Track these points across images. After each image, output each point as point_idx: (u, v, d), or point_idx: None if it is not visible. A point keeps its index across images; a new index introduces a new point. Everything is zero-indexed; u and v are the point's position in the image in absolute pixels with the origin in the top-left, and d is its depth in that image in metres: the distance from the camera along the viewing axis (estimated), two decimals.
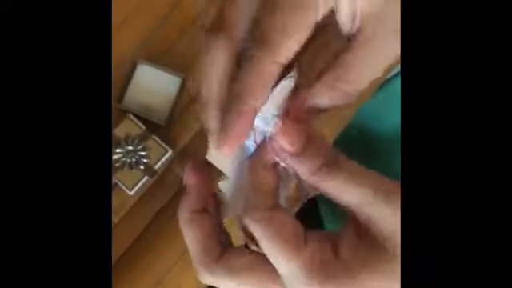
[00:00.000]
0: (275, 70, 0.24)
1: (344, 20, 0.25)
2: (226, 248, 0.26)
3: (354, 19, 0.25)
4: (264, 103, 0.25)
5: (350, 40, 0.26)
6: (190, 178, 0.28)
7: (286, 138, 0.25)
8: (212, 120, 0.26)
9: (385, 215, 0.22)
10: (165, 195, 0.72)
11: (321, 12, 0.24)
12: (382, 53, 0.25)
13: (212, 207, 0.28)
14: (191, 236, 0.27)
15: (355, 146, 0.69)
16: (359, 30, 0.25)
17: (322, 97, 0.25)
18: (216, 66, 0.25)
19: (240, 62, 0.25)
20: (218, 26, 0.25)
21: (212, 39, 0.26)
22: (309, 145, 0.25)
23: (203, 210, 0.27)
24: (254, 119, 0.25)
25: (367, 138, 0.68)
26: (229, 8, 0.26)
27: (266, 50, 0.24)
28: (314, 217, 0.72)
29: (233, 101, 0.24)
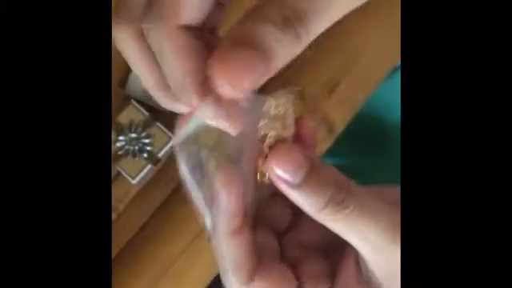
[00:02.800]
0: (183, 35, 0.22)
1: None
2: (259, 263, 0.25)
3: None
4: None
5: None
6: (224, 197, 0.25)
7: (284, 165, 0.22)
8: (167, 104, 0.26)
9: (386, 261, 0.21)
10: (169, 184, 0.72)
11: None
12: None
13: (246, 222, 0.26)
14: (229, 255, 0.25)
15: (367, 133, 0.68)
16: None
17: (257, 41, 0.20)
18: (132, 59, 0.25)
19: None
20: (116, 11, 0.24)
21: (114, 27, 0.24)
22: (313, 175, 0.22)
23: (240, 228, 0.25)
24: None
25: (379, 125, 0.68)
26: None
27: (160, 20, 0.22)
28: None
29: (177, 91, 0.23)
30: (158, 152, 0.69)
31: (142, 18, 0.23)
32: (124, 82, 0.71)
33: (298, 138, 0.25)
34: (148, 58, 0.25)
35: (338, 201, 0.22)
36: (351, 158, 0.73)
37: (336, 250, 0.25)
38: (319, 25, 0.20)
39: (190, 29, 0.22)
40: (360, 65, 0.69)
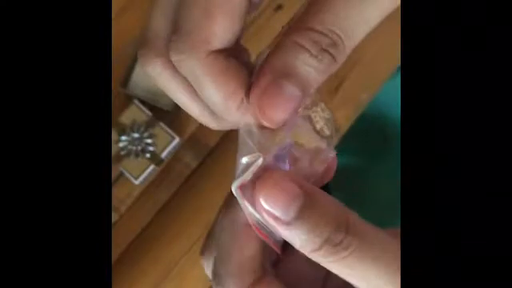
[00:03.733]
0: (216, 58, 0.21)
1: None
2: (264, 273, 0.23)
3: None
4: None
5: None
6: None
7: (274, 199, 0.19)
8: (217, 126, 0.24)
9: None
10: (172, 184, 0.72)
11: None
12: None
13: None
14: (236, 247, 0.22)
15: (371, 132, 0.68)
16: None
17: (285, 62, 0.20)
18: (170, 92, 0.24)
19: None
20: (141, 46, 0.23)
21: (142, 64, 0.23)
22: (307, 211, 0.19)
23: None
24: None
25: (384, 124, 0.68)
26: (151, 14, 0.23)
27: (190, 50, 0.21)
28: None
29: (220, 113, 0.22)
30: (161, 152, 0.69)
31: (171, 48, 0.21)
32: (126, 81, 0.71)
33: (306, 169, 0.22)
34: (186, 88, 0.23)
35: (336, 241, 0.19)
36: (353, 157, 0.72)
37: (333, 278, 0.22)
38: (354, 42, 0.20)
39: (222, 52, 0.21)
40: (363, 64, 0.68)
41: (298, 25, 0.20)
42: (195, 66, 0.21)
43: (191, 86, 0.22)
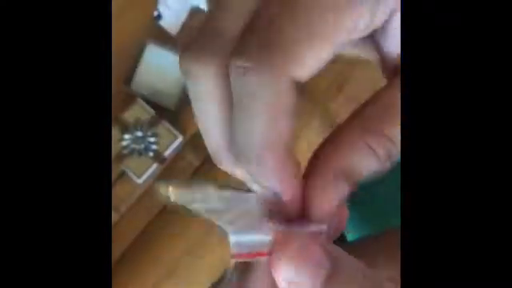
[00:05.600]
0: (289, 90, 0.18)
1: (389, 47, 0.20)
2: None
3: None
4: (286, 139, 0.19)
5: (389, 78, 0.21)
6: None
7: (301, 267, 0.17)
8: (227, 167, 0.22)
9: None
10: None
11: (367, 19, 0.18)
12: None
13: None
14: None
15: None
16: None
17: (340, 166, 0.19)
18: (205, 103, 0.20)
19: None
20: (200, 42, 0.20)
21: (193, 60, 0.20)
22: (336, 276, 0.18)
23: None
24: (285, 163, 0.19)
25: None
26: (219, 11, 0.20)
27: (270, 66, 0.18)
28: None
29: (248, 149, 0.19)
30: (164, 151, 0.70)
31: (237, 52, 0.18)
32: (130, 79, 0.72)
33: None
34: (225, 106, 0.20)
35: None
36: None
37: None
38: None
39: (296, 86, 0.18)
40: (367, 64, 0.68)
41: (372, 128, 0.19)
42: (264, 86, 0.18)
43: (229, 109, 0.20)
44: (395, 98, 0.20)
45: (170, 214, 0.72)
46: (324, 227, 0.20)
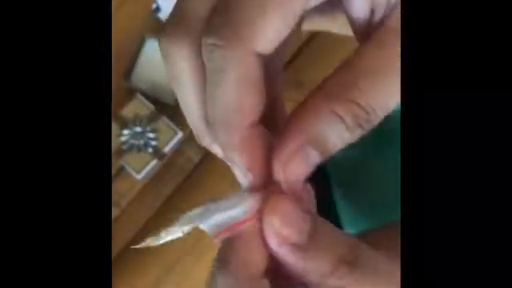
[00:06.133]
0: (257, 64, 0.19)
1: (357, 10, 0.20)
2: None
3: (372, 8, 0.20)
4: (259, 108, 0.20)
5: (361, 43, 0.21)
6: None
7: (289, 220, 0.19)
8: (206, 143, 0.23)
9: None
10: (175, 179, 0.72)
11: None
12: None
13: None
14: None
15: (374, 127, 0.67)
16: (378, 25, 0.20)
17: (311, 133, 0.19)
18: (182, 83, 0.22)
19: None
20: (171, 23, 0.21)
21: (166, 42, 0.21)
22: (319, 232, 0.20)
23: (259, 276, 0.21)
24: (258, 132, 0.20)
25: (386, 118, 0.67)
26: None
27: (234, 41, 0.19)
28: (325, 202, 0.72)
29: (219, 123, 0.20)
30: (164, 147, 0.70)
31: (206, 32, 0.20)
32: (129, 74, 0.72)
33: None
34: (202, 84, 0.21)
35: (350, 259, 0.19)
36: (354, 149, 0.72)
37: None
38: (382, 116, 0.20)
39: (261, 59, 0.20)
40: None
41: (339, 94, 0.20)
42: (231, 60, 0.19)
43: (204, 87, 0.21)
44: (364, 62, 0.20)
45: (170, 210, 0.72)
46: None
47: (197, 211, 0.21)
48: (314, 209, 0.21)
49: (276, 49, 0.20)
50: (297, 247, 0.19)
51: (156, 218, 0.72)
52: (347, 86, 0.20)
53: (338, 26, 0.24)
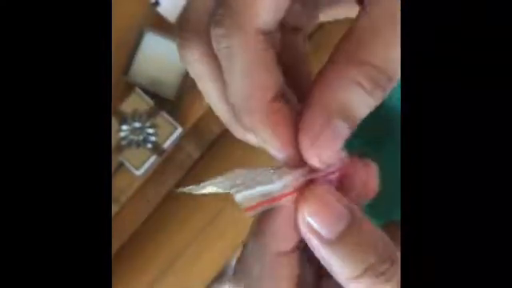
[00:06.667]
0: (261, 43, 0.20)
1: None
2: None
3: None
4: (277, 82, 0.20)
5: (361, 4, 0.21)
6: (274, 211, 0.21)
7: (320, 215, 0.19)
8: (240, 135, 0.23)
9: None
10: (174, 175, 0.72)
11: None
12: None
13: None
14: (273, 283, 0.21)
15: (374, 121, 0.67)
16: None
17: (327, 97, 0.19)
18: (203, 82, 0.23)
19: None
20: (182, 29, 0.23)
21: (181, 48, 0.23)
22: (353, 231, 0.19)
23: (291, 251, 0.21)
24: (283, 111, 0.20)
25: (386, 112, 0.67)
26: (189, 1, 0.23)
27: (235, 27, 0.20)
28: None
29: (240, 108, 0.21)
30: (163, 142, 0.69)
31: (215, 22, 0.21)
32: (127, 68, 0.71)
33: (344, 181, 0.21)
34: (220, 81, 0.22)
35: (381, 271, 0.18)
36: (353, 146, 0.72)
37: None
38: (399, 74, 0.20)
39: (267, 35, 0.20)
40: None
41: (353, 58, 0.19)
42: (237, 45, 0.20)
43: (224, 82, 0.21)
44: (368, 24, 0.20)
45: (170, 207, 0.72)
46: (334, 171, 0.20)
47: (236, 179, 0.21)
48: (373, 186, 0.21)
49: (292, 19, 0.21)
50: (325, 241, 0.19)
51: (156, 214, 0.72)
52: (358, 50, 0.19)
53: (351, 10, 0.24)
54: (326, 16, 0.27)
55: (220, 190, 0.22)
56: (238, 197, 0.21)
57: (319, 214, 0.19)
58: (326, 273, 0.20)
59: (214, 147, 0.72)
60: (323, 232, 0.19)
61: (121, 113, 0.69)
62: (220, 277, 0.69)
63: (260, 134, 0.20)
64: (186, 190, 0.22)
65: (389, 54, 0.19)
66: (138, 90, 0.70)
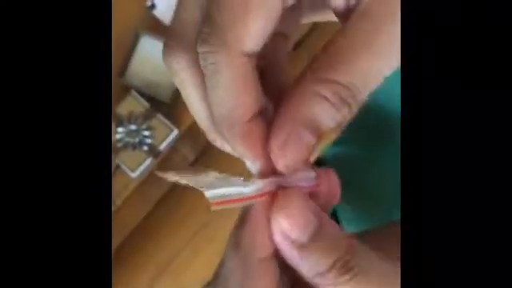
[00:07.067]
0: (246, 64, 0.21)
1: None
2: None
3: None
4: (255, 103, 0.21)
5: (343, 22, 0.22)
6: (257, 211, 0.22)
7: (294, 220, 0.21)
8: (218, 143, 0.25)
9: None
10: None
11: None
12: (392, 32, 0.20)
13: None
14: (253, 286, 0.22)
15: (372, 124, 0.68)
16: (355, 7, 0.21)
17: (302, 111, 0.21)
18: (187, 90, 0.24)
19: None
20: (169, 37, 0.24)
21: (167, 56, 0.24)
22: (321, 233, 0.21)
23: (270, 257, 0.22)
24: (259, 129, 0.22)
25: (384, 115, 0.68)
26: (177, 12, 0.23)
27: (222, 45, 0.21)
28: None
29: (221, 122, 0.22)
30: (159, 145, 0.70)
31: (202, 39, 0.22)
32: (123, 71, 0.71)
33: (316, 189, 0.23)
34: (202, 86, 0.23)
35: (345, 262, 0.20)
36: (355, 147, 0.73)
37: None
38: (368, 92, 0.21)
39: (252, 58, 0.22)
40: None
41: (321, 74, 0.21)
42: (222, 64, 0.21)
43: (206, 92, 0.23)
44: (345, 42, 0.21)
45: (166, 208, 0.72)
46: (308, 175, 0.22)
47: (208, 179, 0.23)
48: (335, 193, 0.23)
49: (276, 38, 0.22)
50: (296, 244, 0.21)
51: (151, 216, 0.72)
52: (327, 67, 0.21)
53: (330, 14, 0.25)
54: (308, 20, 0.28)
55: (191, 184, 0.23)
56: (208, 193, 0.23)
57: (290, 217, 0.21)
58: (300, 279, 0.21)
59: (209, 149, 0.72)
60: (294, 235, 0.21)
61: (117, 115, 0.70)
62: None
63: (236, 148, 0.22)
64: (161, 174, 0.24)
65: (358, 75, 0.21)
66: (133, 92, 0.71)
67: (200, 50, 0.22)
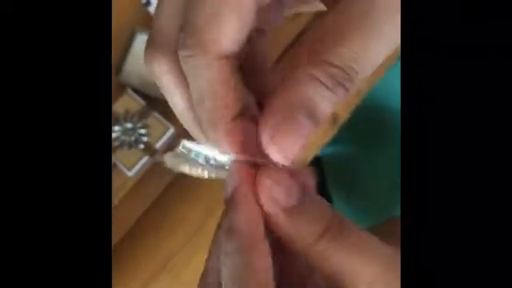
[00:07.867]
0: (225, 65, 0.21)
1: None
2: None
3: None
4: (238, 101, 0.22)
5: (328, 6, 0.22)
6: (241, 193, 0.22)
7: (280, 183, 0.21)
8: (199, 137, 0.25)
9: None
10: (167, 176, 0.72)
11: None
12: (387, 10, 0.20)
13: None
14: (246, 271, 0.21)
15: (370, 122, 0.68)
16: None
17: (295, 92, 0.20)
18: (169, 94, 0.24)
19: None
20: (150, 42, 0.24)
21: (148, 61, 0.24)
22: (307, 198, 0.21)
23: (264, 238, 0.22)
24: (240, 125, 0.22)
25: (383, 114, 0.68)
26: (157, 17, 0.24)
27: (200, 48, 0.21)
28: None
29: (205, 123, 0.22)
30: (155, 143, 0.70)
31: (181, 44, 0.22)
32: (119, 69, 0.71)
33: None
34: (187, 93, 0.24)
35: (336, 229, 0.20)
36: (351, 146, 0.73)
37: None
38: (365, 74, 0.21)
39: (230, 58, 0.22)
40: None
41: (315, 57, 0.21)
42: (202, 66, 0.21)
43: (189, 94, 0.23)
44: (331, 23, 0.21)
45: (163, 207, 0.72)
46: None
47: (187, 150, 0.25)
48: (310, 186, 0.22)
49: (256, 23, 0.21)
50: (286, 211, 0.21)
51: (149, 214, 0.72)
52: (319, 48, 0.21)
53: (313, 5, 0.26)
54: (292, 11, 0.28)
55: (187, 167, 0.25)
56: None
57: (276, 181, 0.21)
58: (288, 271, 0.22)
59: None
60: (283, 200, 0.21)
61: (113, 113, 0.69)
62: None
63: (223, 147, 0.23)
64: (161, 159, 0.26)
65: (351, 55, 0.20)
66: (129, 90, 0.71)
67: (180, 54, 0.22)
